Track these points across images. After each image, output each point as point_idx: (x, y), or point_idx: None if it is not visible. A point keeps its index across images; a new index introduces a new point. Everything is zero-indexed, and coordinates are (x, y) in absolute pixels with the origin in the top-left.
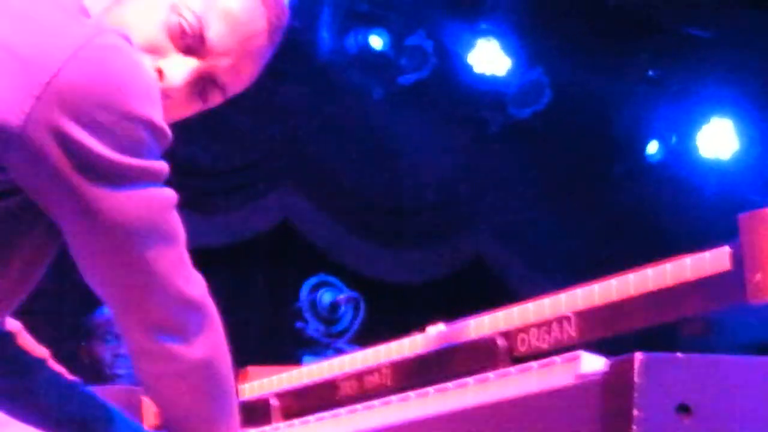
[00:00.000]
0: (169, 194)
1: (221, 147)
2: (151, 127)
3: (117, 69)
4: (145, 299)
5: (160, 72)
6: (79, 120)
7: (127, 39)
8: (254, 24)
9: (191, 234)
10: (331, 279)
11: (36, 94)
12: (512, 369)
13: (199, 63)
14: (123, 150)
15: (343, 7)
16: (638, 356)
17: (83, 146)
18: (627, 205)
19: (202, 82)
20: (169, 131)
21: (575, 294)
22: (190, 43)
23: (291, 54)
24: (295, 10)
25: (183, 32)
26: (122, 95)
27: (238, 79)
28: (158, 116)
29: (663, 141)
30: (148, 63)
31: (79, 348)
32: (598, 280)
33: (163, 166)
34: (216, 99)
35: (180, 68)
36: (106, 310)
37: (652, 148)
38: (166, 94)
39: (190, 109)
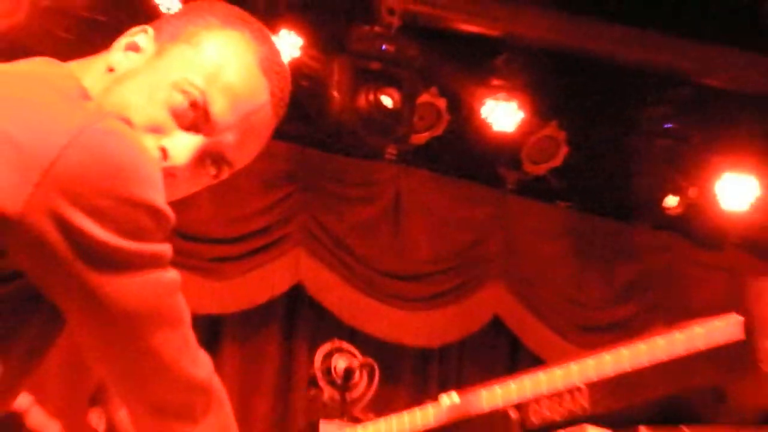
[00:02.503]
0: (174, 277)
1: (230, 212)
2: (152, 211)
3: (116, 154)
4: (151, 383)
5: (164, 151)
6: (79, 206)
7: (127, 122)
8: (256, 98)
9: (201, 301)
10: (346, 345)
11: (35, 181)
12: None
13: (204, 139)
14: (125, 235)
15: (353, 65)
16: (642, 430)
17: (84, 232)
18: (646, 261)
19: (208, 158)
20: (171, 214)
21: (587, 364)
22: (195, 119)
23: (301, 114)
24: (304, 69)
25: (188, 108)
26: (122, 180)
27: (244, 153)
28: (159, 200)
29: (683, 194)
30: (151, 143)
31: (93, 414)
32: (611, 346)
33: (166, 249)
34: (223, 174)
35: (185, 146)
36: None
37: (672, 201)
38: (170, 173)
39: (197, 185)
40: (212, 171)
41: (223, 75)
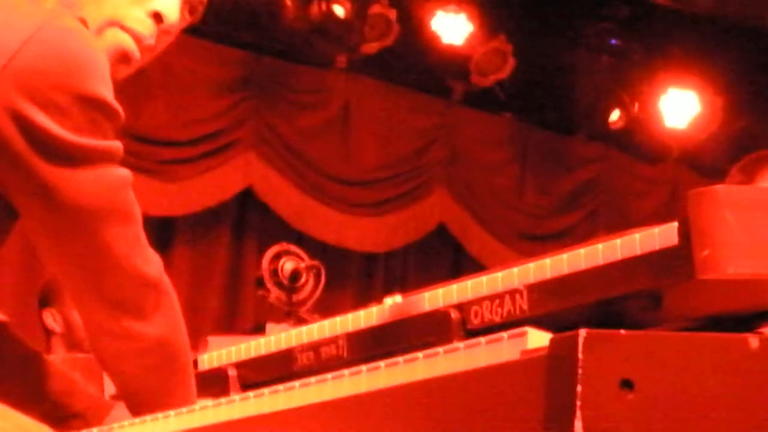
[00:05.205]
0: (125, 174)
1: (184, 116)
2: (105, 107)
3: (73, 50)
4: (103, 278)
5: (158, 15)
6: (36, 101)
7: (83, 21)
8: None
9: (153, 203)
10: (293, 247)
11: None
12: (461, 344)
13: None
14: (80, 131)
15: None
16: (582, 333)
17: (41, 127)
18: (588, 172)
19: (187, 6)
20: (121, 111)
21: (527, 268)
22: None
23: (254, 22)
24: None
25: None
26: (78, 76)
27: None
28: (111, 96)
29: (625, 109)
30: (141, 13)
31: (47, 314)
32: (552, 252)
33: (118, 146)
34: (197, 15)
35: (173, 3)
36: None
37: (615, 116)
38: (166, 32)
39: (174, 35)
40: (187, 17)
41: None
